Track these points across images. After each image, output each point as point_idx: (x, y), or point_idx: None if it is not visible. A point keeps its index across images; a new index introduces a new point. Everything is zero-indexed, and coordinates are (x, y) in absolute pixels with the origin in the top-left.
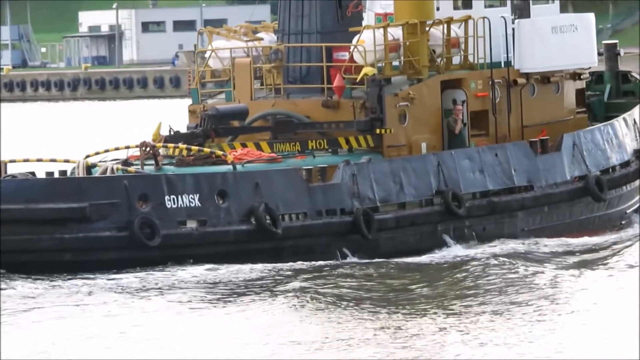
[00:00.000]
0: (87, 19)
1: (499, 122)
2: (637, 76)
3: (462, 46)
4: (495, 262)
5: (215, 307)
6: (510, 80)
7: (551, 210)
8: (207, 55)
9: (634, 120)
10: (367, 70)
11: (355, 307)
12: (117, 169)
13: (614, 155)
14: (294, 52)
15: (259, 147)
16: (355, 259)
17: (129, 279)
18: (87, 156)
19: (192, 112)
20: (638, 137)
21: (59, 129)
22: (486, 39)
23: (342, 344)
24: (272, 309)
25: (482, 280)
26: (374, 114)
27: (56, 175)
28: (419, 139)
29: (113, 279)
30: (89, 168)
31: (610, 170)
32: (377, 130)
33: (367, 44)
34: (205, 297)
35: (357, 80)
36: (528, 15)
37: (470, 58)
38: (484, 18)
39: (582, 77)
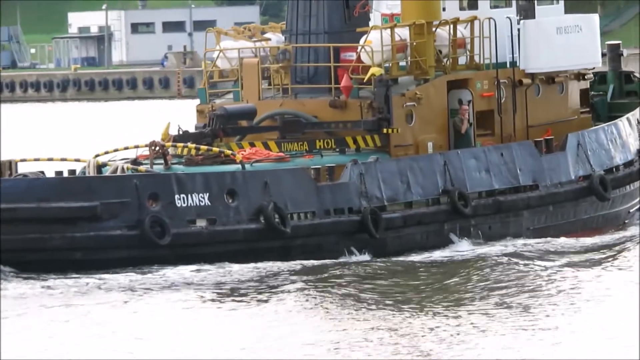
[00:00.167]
0: (77, 20)
1: (504, 122)
2: None
3: (468, 46)
4: (501, 260)
5: (224, 305)
6: (515, 81)
7: (556, 209)
8: (215, 55)
9: (638, 120)
10: (375, 70)
11: (363, 306)
12: (128, 168)
13: (617, 154)
14: (302, 52)
15: (267, 147)
16: (362, 258)
17: (135, 277)
18: (97, 155)
19: (200, 111)
20: None
21: (50, 129)
22: (492, 39)
23: (350, 344)
24: (281, 307)
25: (487, 278)
26: (381, 113)
27: (65, 174)
28: (426, 139)
29: (118, 278)
30: (100, 167)
31: (614, 169)
32: (384, 130)
33: (375, 44)
34: (214, 295)
35: (365, 81)
36: (533, 16)
37: (476, 58)
38: (489, 19)
39: (586, 77)
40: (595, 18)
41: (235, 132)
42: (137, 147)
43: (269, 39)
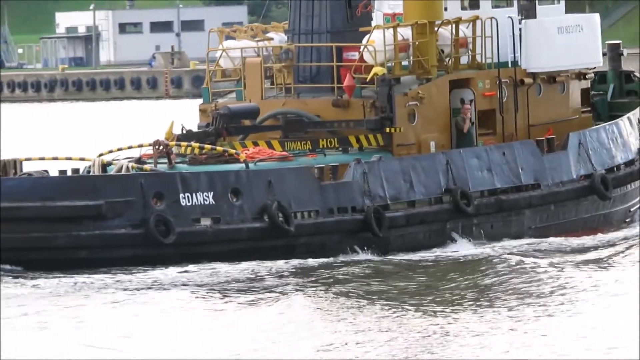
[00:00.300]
0: (64, 20)
1: (506, 121)
2: None
3: (470, 46)
4: (503, 260)
5: (226, 304)
6: (517, 80)
7: (557, 208)
8: (217, 54)
9: (639, 119)
10: (377, 69)
11: (366, 304)
12: (132, 167)
13: (618, 154)
14: (304, 52)
15: (270, 146)
16: (365, 256)
17: (135, 276)
18: (101, 154)
19: (202, 111)
20: None
21: (39, 130)
22: (494, 39)
23: (353, 343)
24: (284, 306)
25: (490, 277)
26: (384, 113)
27: (69, 173)
28: (428, 138)
29: (123, 276)
30: (104, 166)
31: (615, 168)
32: (387, 129)
33: (377, 43)
34: (216, 294)
35: (367, 80)
36: (534, 16)
37: (478, 58)
38: (491, 18)
39: (587, 76)
40: (596, 18)
41: (238, 131)
42: (141, 146)
43: (272, 39)
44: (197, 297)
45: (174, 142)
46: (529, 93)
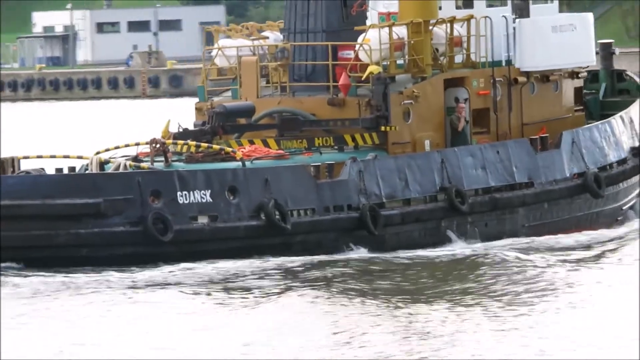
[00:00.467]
0: (41, 19)
1: (500, 120)
2: (632, 75)
3: (465, 45)
4: (497, 258)
5: (223, 302)
6: (511, 79)
7: (551, 206)
8: (213, 53)
9: (630, 118)
10: (373, 68)
11: (361, 302)
12: (130, 166)
13: (611, 152)
14: (300, 51)
15: (266, 144)
16: (361, 254)
17: (135, 274)
18: (98, 152)
19: (198, 109)
20: (634, 135)
21: (18, 129)
22: (488, 38)
23: (351, 340)
24: (281, 303)
25: (483, 275)
26: (379, 111)
27: (65, 171)
28: (423, 136)
29: (119, 275)
30: (102, 164)
31: (608, 167)
32: (382, 128)
33: (373, 42)
34: (213, 292)
35: (363, 79)
36: (528, 15)
37: (473, 57)
38: (485, 17)
39: (579, 75)
40: (589, 17)
41: (234, 130)
42: (137, 144)
43: (267, 38)
44: (193, 296)
45: (170, 141)
46: (522, 92)
